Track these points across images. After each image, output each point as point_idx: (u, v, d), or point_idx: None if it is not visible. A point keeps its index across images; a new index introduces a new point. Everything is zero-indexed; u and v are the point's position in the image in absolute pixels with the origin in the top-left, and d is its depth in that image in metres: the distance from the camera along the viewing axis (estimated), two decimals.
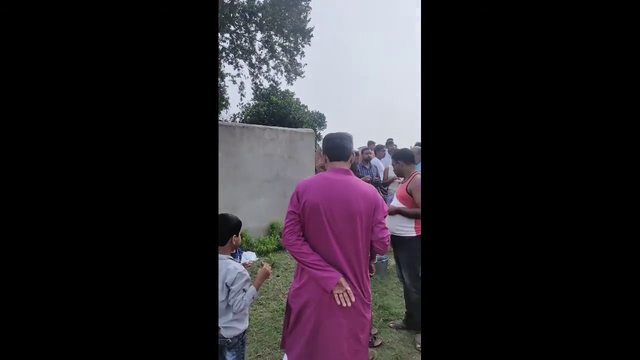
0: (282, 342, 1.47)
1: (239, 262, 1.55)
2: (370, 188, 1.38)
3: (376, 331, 2.38)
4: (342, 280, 1.27)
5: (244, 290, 1.39)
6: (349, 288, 1.28)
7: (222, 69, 11.47)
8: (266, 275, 1.53)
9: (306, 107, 12.59)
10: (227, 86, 12.43)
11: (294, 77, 13.28)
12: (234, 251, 1.54)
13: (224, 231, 1.43)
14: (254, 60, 12.22)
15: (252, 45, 11.71)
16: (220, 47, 10.83)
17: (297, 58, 13.03)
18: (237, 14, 10.47)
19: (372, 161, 4.29)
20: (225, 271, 1.37)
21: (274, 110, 10.23)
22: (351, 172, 1.41)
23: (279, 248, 4.19)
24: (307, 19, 12.15)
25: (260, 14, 10.92)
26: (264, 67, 12.70)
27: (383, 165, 4.40)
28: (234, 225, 1.47)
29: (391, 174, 3.97)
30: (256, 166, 4.36)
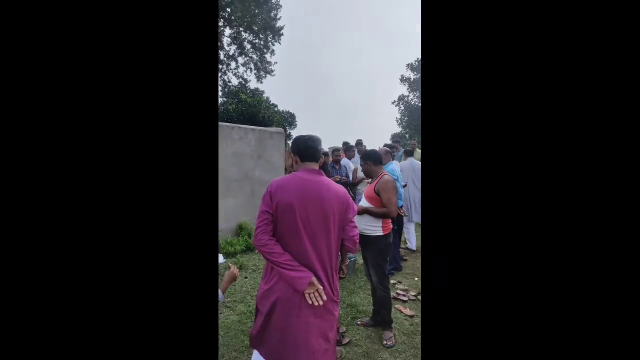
0: (250, 341, 1.44)
1: None
2: (341, 188, 1.43)
3: (344, 329, 2.41)
4: (314, 279, 1.29)
5: None
6: (320, 287, 1.30)
7: None
8: (233, 278, 1.49)
9: (276, 106, 12.48)
10: None
11: (263, 75, 13.08)
12: None
13: None
14: (222, 57, 11.91)
15: (220, 41, 11.42)
16: None
17: (267, 56, 12.86)
18: None
19: (342, 162, 4.34)
20: None
21: (243, 109, 10.03)
22: (322, 172, 1.44)
23: (248, 249, 4.11)
24: (278, 17, 12.04)
25: (228, 9, 10.65)
26: (233, 64, 12.41)
27: (352, 165, 4.47)
28: None
29: (360, 174, 4.04)
30: (224, 165, 4.25)
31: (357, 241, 1.45)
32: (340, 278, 1.49)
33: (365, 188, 2.57)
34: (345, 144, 5.44)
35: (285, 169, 5.06)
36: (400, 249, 3.97)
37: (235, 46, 11.91)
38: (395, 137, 15.15)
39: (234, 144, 4.40)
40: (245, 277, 3.33)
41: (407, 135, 15.01)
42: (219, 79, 12.02)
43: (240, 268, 3.51)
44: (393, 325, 2.41)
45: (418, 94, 15.60)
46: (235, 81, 12.57)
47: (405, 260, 3.97)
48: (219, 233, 4.13)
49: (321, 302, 1.29)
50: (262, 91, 13.29)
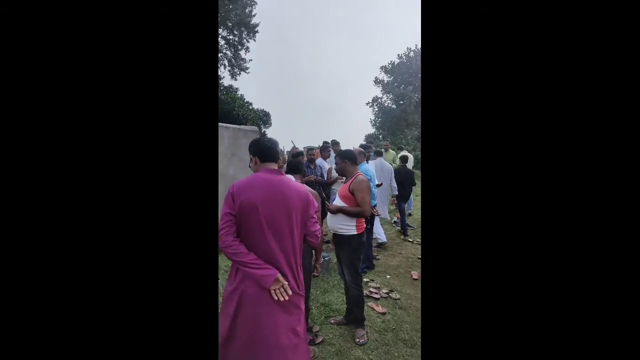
0: (219, 346, 1.41)
1: None
2: (301, 186, 1.53)
3: (317, 329, 2.41)
4: (279, 276, 1.33)
5: None
6: (285, 282, 1.35)
7: None
8: None
9: (251, 104, 12.28)
10: None
11: (238, 73, 12.83)
12: None
13: None
14: None
15: None
16: None
17: (242, 53, 12.63)
18: None
19: (317, 161, 4.35)
20: None
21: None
22: (282, 172, 1.50)
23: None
24: (253, 13, 11.85)
25: None
26: None
27: (327, 165, 4.49)
28: None
29: (334, 174, 4.07)
30: None
31: (319, 235, 1.53)
32: (314, 276, 1.53)
33: (339, 187, 2.58)
34: (325, 143, 5.45)
35: None
36: (372, 247, 4.04)
37: None
38: (369, 138, 15.39)
39: None
40: (218, 279, 3.24)
41: (380, 136, 15.30)
42: None
43: None
44: (366, 323, 2.44)
45: (392, 96, 15.94)
46: None
47: (378, 259, 4.05)
48: None
49: (287, 297, 1.33)
50: (237, 89, 13.01)
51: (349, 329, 2.43)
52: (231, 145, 4.59)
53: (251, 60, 13.60)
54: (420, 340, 2.33)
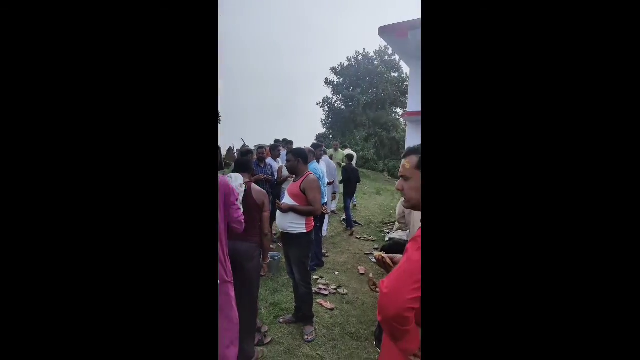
0: None
1: None
2: (221, 176, 1.71)
3: (267, 329, 2.39)
4: None
5: None
6: None
7: None
8: None
9: None
10: None
11: None
12: None
13: None
14: None
15: None
16: None
17: None
18: None
19: (267, 160, 4.30)
20: None
21: None
22: None
23: None
24: None
25: None
26: None
27: (277, 164, 4.46)
28: None
29: (285, 172, 4.06)
30: None
31: (242, 221, 1.70)
32: (262, 276, 1.55)
33: (289, 186, 2.59)
34: (276, 141, 5.39)
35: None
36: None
37: None
38: (320, 138, 15.60)
39: None
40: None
41: (331, 136, 15.59)
42: None
43: None
44: (314, 319, 2.49)
45: (341, 97, 16.33)
46: None
47: (327, 256, 4.14)
48: None
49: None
50: None
51: (298, 326, 2.46)
52: None
53: None
54: (365, 332, 2.44)
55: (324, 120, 17.06)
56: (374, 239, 5.03)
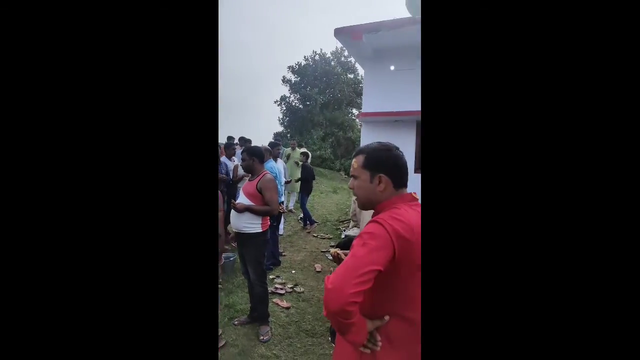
0: None
1: None
2: None
3: (220, 331, 2.33)
4: None
5: None
6: None
7: None
8: None
9: None
10: None
11: None
12: None
13: None
14: None
15: None
16: None
17: None
18: None
19: (221, 159, 4.17)
20: None
21: None
22: None
23: None
24: None
25: None
26: None
27: (232, 163, 4.34)
28: None
29: (240, 171, 3.97)
30: None
31: None
32: None
33: (244, 185, 2.54)
34: (229, 139, 5.23)
35: None
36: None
37: None
38: (277, 136, 15.45)
39: None
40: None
41: (288, 135, 15.53)
42: None
43: None
44: (270, 319, 2.47)
45: (299, 96, 16.33)
46: None
47: (284, 255, 4.13)
48: None
49: None
50: None
51: (254, 327, 2.43)
52: None
53: None
54: (321, 328, 2.49)
55: (282, 119, 16.93)
56: (330, 236, 5.13)
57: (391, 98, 4.92)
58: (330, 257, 1.24)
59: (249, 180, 2.45)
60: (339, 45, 6.90)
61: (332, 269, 3.52)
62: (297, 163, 5.96)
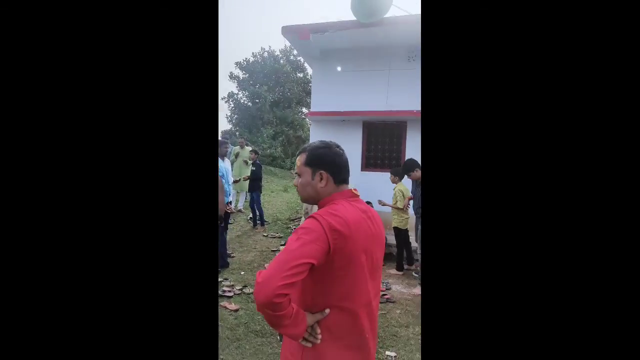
0: None
1: None
2: None
3: None
4: None
5: None
6: None
7: None
8: None
9: None
10: None
11: None
12: None
13: None
14: None
15: None
16: None
17: None
18: None
19: None
20: None
21: None
22: None
23: None
24: None
25: None
26: None
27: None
28: None
29: None
30: None
31: None
32: None
33: None
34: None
35: None
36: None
37: None
38: (225, 135, 14.92)
39: None
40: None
41: (237, 133, 15.08)
42: None
43: None
44: (219, 323, 2.40)
45: (247, 93, 15.93)
46: None
47: (233, 256, 4.02)
48: None
49: None
50: None
51: None
52: None
53: None
54: (270, 328, 2.47)
55: (229, 116, 16.37)
56: (281, 235, 5.11)
57: (339, 98, 5.05)
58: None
59: None
60: (288, 43, 6.88)
61: None
62: (246, 162, 5.83)
